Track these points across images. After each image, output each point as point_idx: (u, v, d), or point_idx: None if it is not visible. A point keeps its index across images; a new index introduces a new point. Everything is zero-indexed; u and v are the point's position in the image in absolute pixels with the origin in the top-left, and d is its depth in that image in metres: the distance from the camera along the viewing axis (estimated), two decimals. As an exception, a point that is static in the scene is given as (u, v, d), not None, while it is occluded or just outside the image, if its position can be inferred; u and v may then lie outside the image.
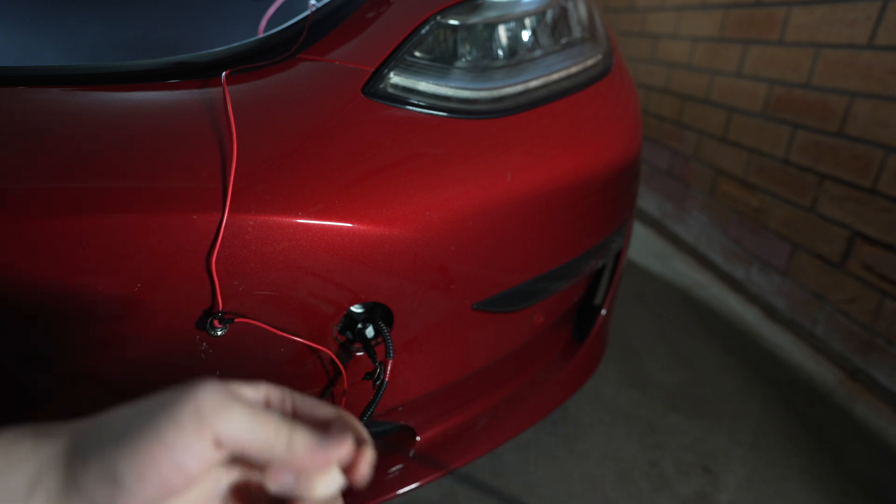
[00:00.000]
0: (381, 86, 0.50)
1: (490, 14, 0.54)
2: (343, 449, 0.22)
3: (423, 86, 0.51)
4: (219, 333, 0.42)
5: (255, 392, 0.24)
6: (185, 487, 0.20)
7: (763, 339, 1.17)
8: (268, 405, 0.24)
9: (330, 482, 0.22)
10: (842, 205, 1.04)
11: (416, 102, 0.50)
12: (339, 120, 0.46)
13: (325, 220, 0.42)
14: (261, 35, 0.51)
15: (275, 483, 0.21)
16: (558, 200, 0.55)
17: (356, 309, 0.49)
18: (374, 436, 0.62)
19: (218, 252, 0.39)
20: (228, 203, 0.39)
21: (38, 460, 0.19)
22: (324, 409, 0.25)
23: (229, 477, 0.23)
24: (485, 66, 0.54)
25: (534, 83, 0.56)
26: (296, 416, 0.24)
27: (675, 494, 0.79)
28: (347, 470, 0.23)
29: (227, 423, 0.20)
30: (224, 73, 0.46)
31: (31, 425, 0.21)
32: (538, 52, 0.58)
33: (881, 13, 0.93)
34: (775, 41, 1.19)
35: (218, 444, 0.20)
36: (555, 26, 0.60)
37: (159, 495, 0.19)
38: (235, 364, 0.45)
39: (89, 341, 0.41)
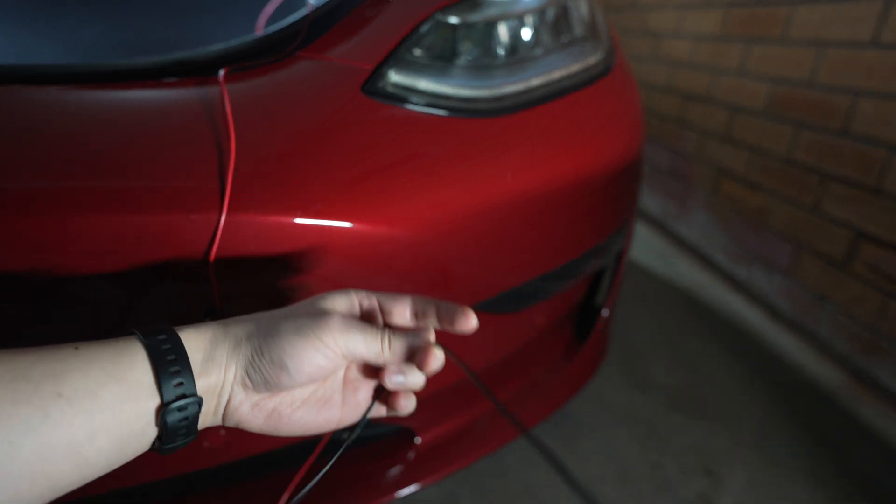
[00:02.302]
0: (381, 84, 0.49)
1: (490, 12, 0.54)
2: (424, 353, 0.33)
3: (423, 84, 0.51)
4: (216, 334, 0.42)
5: (352, 299, 0.35)
6: (321, 377, 0.31)
7: (766, 340, 1.16)
8: (360, 306, 0.35)
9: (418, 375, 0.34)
10: (846, 204, 1.03)
11: (415, 101, 0.50)
12: (339, 119, 0.46)
13: (324, 219, 0.41)
14: (259, 33, 0.51)
15: (391, 382, 0.33)
16: (559, 200, 0.54)
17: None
18: (374, 438, 0.62)
19: (216, 251, 0.39)
20: (226, 202, 0.39)
21: (237, 336, 0.30)
22: (400, 302, 0.36)
23: (344, 372, 0.35)
24: (485, 65, 0.54)
25: (534, 82, 0.56)
26: (382, 309, 0.36)
27: (677, 496, 0.78)
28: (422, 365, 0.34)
29: (350, 342, 0.31)
30: (222, 72, 0.46)
31: (207, 324, 0.31)
32: (539, 51, 0.57)
33: (885, 11, 0.92)
34: (778, 39, 1.18)
35: (345, 355, 0.31)
36: (555, 24, 0.59)
37: (306, 380, 0.30)
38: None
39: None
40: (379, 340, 0.32)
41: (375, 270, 0.45)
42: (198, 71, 0.47)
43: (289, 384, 0.30)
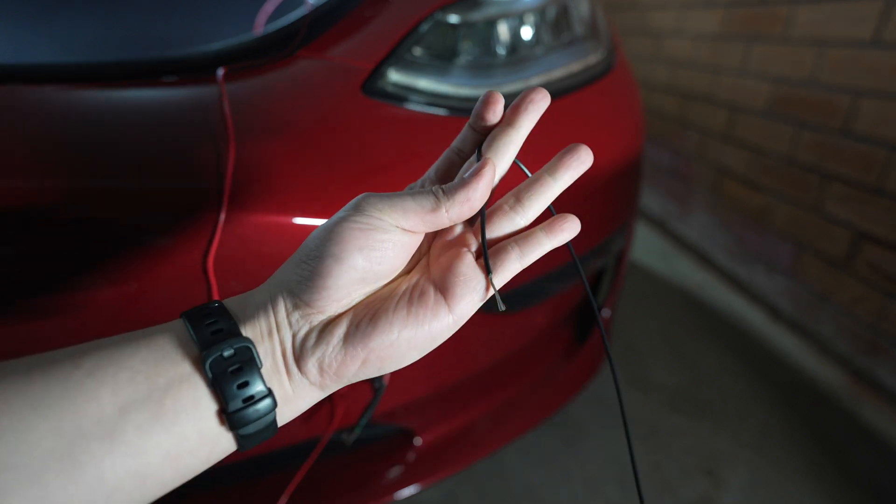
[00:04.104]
0: (381, 83, 0.49)
1: (490, 11, 0.54)
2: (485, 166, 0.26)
3: (423, 83, 0.51)
4: (215, 334, 0.41)
5: None
6: (382, 257, 0.24)
7: (767, 341, 1.16)
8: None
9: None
10: (846, 204, 1.03)
11: (415, 100, 0.50)
12: (338, 118, 0.46)
13: (324, 219, 0.41)
14: (258, 32, 0.51)
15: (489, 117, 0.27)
16: (559, 200, 0.54)
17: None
18: (374, 439, 0.61)
19: (215, 252, 0.39)
20: (226, 202, 0.39)
21: (273, 276, 0.25)
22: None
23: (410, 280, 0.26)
24: (485, 64, 0.54)
25: (534, 81, 0.56)
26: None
27: (678, 497, 0.78)
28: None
29: (393, 199, 0.25)
30: (221, 71, 0.45)
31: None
32: (539, 50, 0.57)
33: (886, 10, 0.92)
34: (779, 39, 1.18)
35: (397, 222, 0.24)
36: (556, 24, 0.59)
37: (361, 260, 0.24)
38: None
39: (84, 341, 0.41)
40: (422, 191, 0.25)
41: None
42: (197, 70, 0.46)
43: (338, 271, 0.23)
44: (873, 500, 0.78)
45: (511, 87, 0.54)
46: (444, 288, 0.25)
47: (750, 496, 0.78)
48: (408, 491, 0.59)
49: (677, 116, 1.62)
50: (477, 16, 0.53)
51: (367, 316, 0.24)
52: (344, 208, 0.25)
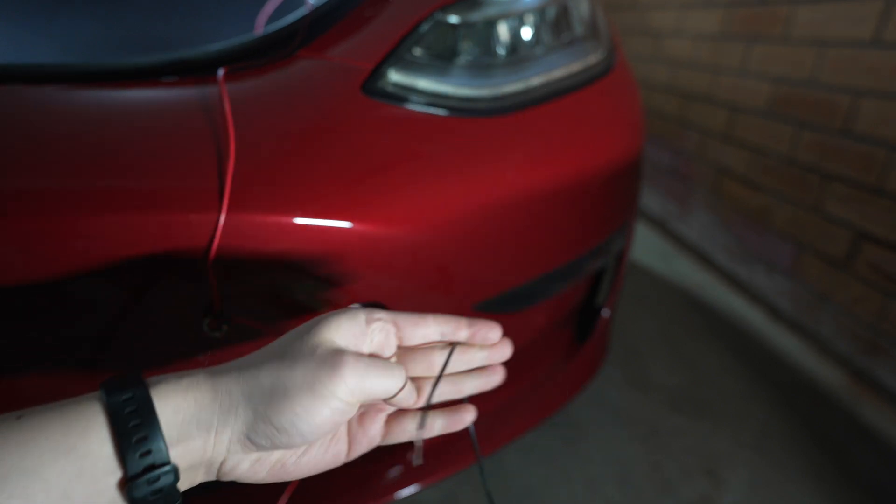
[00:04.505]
0: (381, 84, 0.49)
1: (490, 11, 0.54)
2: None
3: (423, 84, 0.51)
4: (216, 334, 0.41)
5: (358, 321, 0.29)
6: (334, 427, 0.27)
7: (767, 341, 1.16)
8: (370, 327, 0.30)
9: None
10: (846, 204, 1.03)
11: (415, 100, 0.50)
12: (338, 118, 0.46)
13: (324, 219, 0.41)
14: (259, 32, 0.51)
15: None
16: (559, 200, 0.54)
17: (355, 309, 0.48)
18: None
19: (215, 252, 0.39)
20: (226, 202, 0.39)
21: (230, 396, 0.26)
22: (420, 321, 0.32)
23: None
24: (485, 64, 0.54)
25: (535, 81, 0.56)
26: (398, 327, 0.32)
27: (679, 497, 0.78)
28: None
29: (368, 389, 0.27)
30: (222, 71, 0.45)
31: (190, 374, 0.26)
32: (539, 50, 0.57)
33: (886, 10, 0.92)
34: (779, 38, 1.18)
35: (362, 403, 0.28)
36: (556, 24, 0.59)
37: (320, 436, 0.27)
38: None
39: (85, 342, 0.41)
40: (402, 382, 0.29)
41: (375, 270, 0.45)
42: (197, 70, 0.46)
43: (301, 444, 0.27)
44: (873, 500, 0.78)
45: (511, 88, 0.54)
46: (353, 440, 0.31)
47: (750, 496, 0.78)
48: (408, 491, 0.59)
49: (677, 116, 1.62)
50: (477, 16, 0.53)
51: (295, 458, 0.29)
52: (324, 368, 0.26)
